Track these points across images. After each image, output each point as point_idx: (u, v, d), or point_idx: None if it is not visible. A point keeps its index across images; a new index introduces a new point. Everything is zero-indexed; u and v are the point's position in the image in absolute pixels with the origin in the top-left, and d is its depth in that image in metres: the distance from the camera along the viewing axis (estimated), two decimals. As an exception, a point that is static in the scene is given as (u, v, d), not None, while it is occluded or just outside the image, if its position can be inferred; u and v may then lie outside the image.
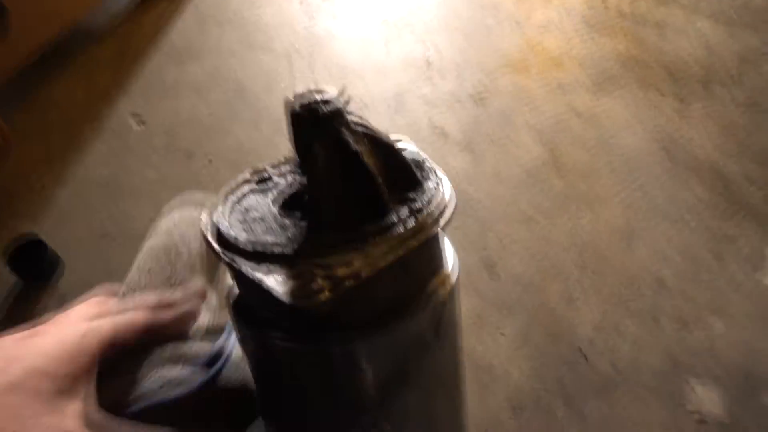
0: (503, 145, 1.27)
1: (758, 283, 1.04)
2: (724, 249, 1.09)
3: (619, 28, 1.46)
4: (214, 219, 0.33)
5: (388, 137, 0.34)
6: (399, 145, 0.40)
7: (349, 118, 0.32)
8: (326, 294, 0.27)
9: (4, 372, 0.28)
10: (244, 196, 0.37)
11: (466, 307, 1.06)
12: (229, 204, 0.36)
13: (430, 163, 0.37)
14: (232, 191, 0.37)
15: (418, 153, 0.40)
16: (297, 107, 0.31)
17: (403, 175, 0.34)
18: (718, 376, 0.93)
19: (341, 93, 0.31)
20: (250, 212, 0.34)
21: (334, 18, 1.63)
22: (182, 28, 1.68)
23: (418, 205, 0.32)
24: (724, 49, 1.37)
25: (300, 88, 0.32)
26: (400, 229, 0.30)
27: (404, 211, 0.32)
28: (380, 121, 1.33)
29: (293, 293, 0.28)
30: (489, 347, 1.02)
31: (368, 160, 0.32)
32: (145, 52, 1.60)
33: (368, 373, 0.35)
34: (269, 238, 0.31)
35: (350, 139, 0.31)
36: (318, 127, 0.31)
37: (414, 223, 0.31)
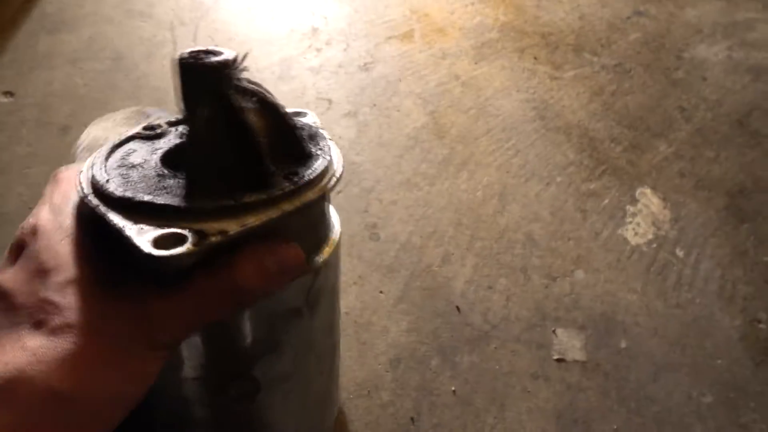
0: (387, 111, 1.29)
1: (618, 236, 1.12)
2: (589, 205, 1.16)
3: (500, -3, 1.51)
4: (94, 169, 0.32)
5: (280, 104, 0.34)
6: (300, 118, 0.40)
7: (241, 77, 0.32)
8: (190, 247, 0.26)
9: None
10: (133, 150, 0.35)
11: (347, 269, 1.08)
12: (115, 156, 0.35)
13: (325, 136, 0.37)
14: (121, 144, 0.36)
15: (315, 125, 0.40)
16: (186, 56, 0.30)
17: (291, 143, 0.34)
18: (581, 324, 1.00)
19: (238, 57, 0.32)
20: (134, 167, 0.33)
21: (220, -15, 1.59)
22: (56, -5, 1.58)
23: (299, 171, 0.31)
24: (595, 17, 1.45)
25: (192, 48, 0.31)
26: (276, 192, 0.30)
27: (282, 176, 0.32)
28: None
29: (154, 243, 0.26)
30: (368, 305, 1.04)
31: (253, 119, 0.31)
32: (14, 21, 1.50)
33: (237, 339, 0.35)
34: (144, 196, 0.30)
35: (235, 95, 0.31)
36: (204, 77, 0.30)
37: (291, 188, 0.30)
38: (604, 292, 1.06)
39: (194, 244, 0.26)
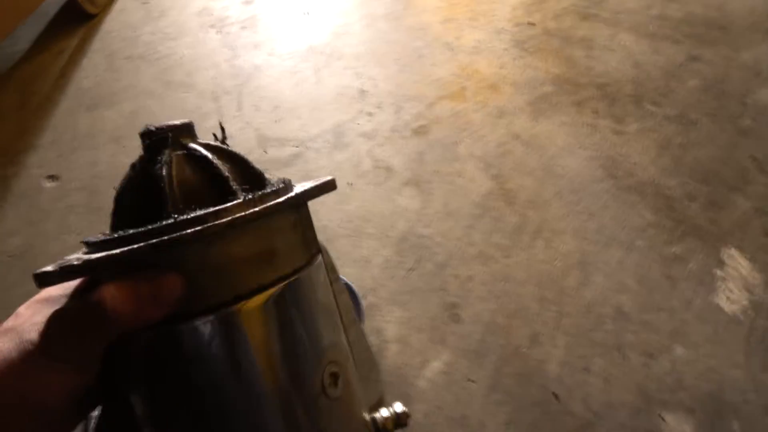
0: (449, 178, 1.24)
1: (710, 304, 1.06)
2: (675, 270, 1.11)
3: (547, 47, 1.47)
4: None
5: (210, 157, 0.35)
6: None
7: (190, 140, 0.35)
8: (53, 268, 0.27)
9: None
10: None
11: (431, 355, 1.03)
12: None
13: (267, 180, 0.37)
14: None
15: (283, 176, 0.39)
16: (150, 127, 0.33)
17: (218, 190, 0.34)
18: (689, 406, 0.94)
19: (184, 125, 0.34)
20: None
21: (257, 48, 1.55)
22: (89, 67, 1.54)
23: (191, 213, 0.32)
24: (650, 64, 1.41)
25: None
26: (146, 229, 0.30)
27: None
28: (320, 159, 1.27)
29: (55, 267, 0.28)
30: (460, 398, 0.99)
31: (173, 169, 0.33)
32: (51, 98, 1.46)
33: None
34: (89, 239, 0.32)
35: (162, 151, 0.33)
36: (144, 139, 0.33)
37: (161, 226, 0.30)
38: (706, 368, 1.01)
39: (59, 267, 0.28)
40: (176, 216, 0.31)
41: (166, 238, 0.30)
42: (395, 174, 1.26)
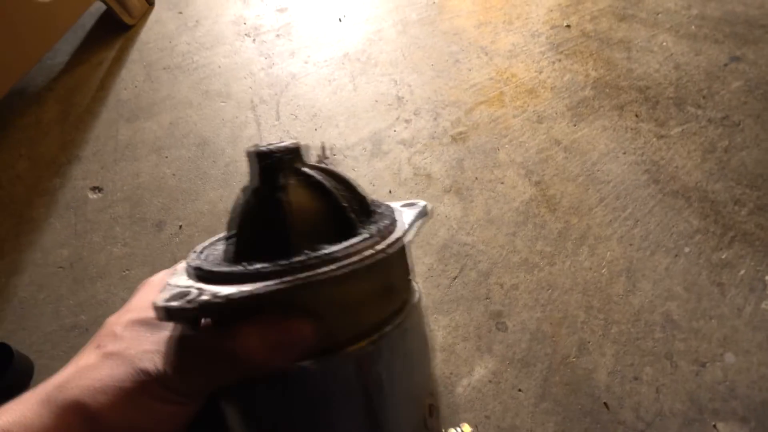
0: (490, 185, 1.24)
1: (762, 310, 1.05)
2: (724, 277, 1.09)
3: (585, 49, 1.46)
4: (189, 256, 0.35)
5: (330, 186, 0.35)
6: (409, 208, 0.41)
7: (305, 162, 0.35)
8: (183, 303, 0.28)
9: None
10: (218, 247, 0.38)
11: (477, 364, 1.02)
12: (207, 250, 0.37)
13: (395, 217, 0.37)
14: (212, 244, 0.38)
15: (414, 209, 0.40)
16: (252, 148, 0.33)
17: (340, 223, 0.35)
18: (742, 416, 0.93)
19: (298, 147, 0.34)
20: (213, 254, 0.36)
21: (293, 56, 1.55)
22: (128, 79, 1.56)
23: (324, 248, 0.32)
24: (691, 65, 1.39)
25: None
26: (284, 264, 0.30)
27: (305, 251, 0.32)
28: (358, 167, 1.28)
29: (169, 298, 0.29)
30: (509, 407, 0.99)
31: (296, 198, 0.33)
32: (91, 110, 1.48)
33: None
34: (195, 263, 0.33)
35: (282, 176, 0.33)
36: (259, 161, 0.33)
37: (300, 261, 0.30)
38: (759, 376, 0.99)
39: (187, 301, 0.28)
40: (308, 252, 0.31)
41: (304, 275, 0.30)
42: (435, 181, 1.25)
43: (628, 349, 1.03)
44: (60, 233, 1.25)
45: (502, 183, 1.24)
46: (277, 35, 1.59)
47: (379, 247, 0.33)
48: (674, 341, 1.03)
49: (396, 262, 0.37)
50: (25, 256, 1.21)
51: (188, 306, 0.28)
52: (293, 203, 0.33)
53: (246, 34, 1.60)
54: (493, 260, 1.14)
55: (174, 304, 0.28)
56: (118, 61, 1.60)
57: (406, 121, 1.36)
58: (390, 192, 1.23)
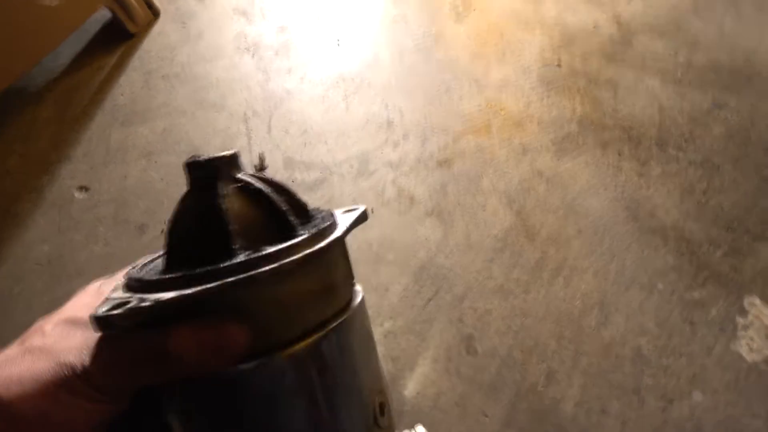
0: (472, 210, 1.26)
1: (731, 351, 1.05)
2: (696, 316, 1.10)
3: (574, 87, 1.49)
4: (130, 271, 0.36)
5: (266, 191, 0.35)
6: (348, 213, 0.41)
7: (241, 171, 0.36)
8: (120, 311, 0.28)
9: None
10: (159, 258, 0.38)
11: (446, 388, 1.02)
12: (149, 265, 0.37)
13: (335, 220, 0.38)
14: (153, 259, 0.39)
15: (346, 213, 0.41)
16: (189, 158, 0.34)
17: (280, 226, 0.35)
18: (706, 455, 0.93)
19: (233, 155, 0.35)
20: (152, 268, 0.36)
21: (289, 73, 1.58)
22: (126, 84, 1.59)
23: (262, 249, 0.32)
24: (675, 109, 1.42)
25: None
26: (221, 266, 0.30)
27: (243, 253, 0.31)
28: (344, 185, 1.29)
29: (109, 307, 0.29)
30: (473, 430, 0.98)
31: (232, 203, 0.33)
32: (87, 112, 1.50)
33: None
34: (133, 274, 0.33)
35: (216, 183, 0.33)
36: (194, 170, 0.34)
37: (237, 262, 0.30)
38: (726, 416, 0.99)
39: (129, 309, 0.28)
40: (249, 253, 0.31)
41: (244, 276, 0.30)
42: (418, 204, 1.27)
43: (597, 381, 1.03)
44: (43, 230, 1.26)
45: (484, 209, 1.26)
46: (276, 53, 1.62)
47: (318, 246, 0.33)
48: (643, 376, 1.03)
49: (336, 262, 0.37)
50: (5, 249, 1.22)
51: (116, 312, 0.28)
52: (232, 209, 0.33)
53: (246, 49, 1.63)
54: (468, 284, 1.15)
55: (115, 312, 0.28)
56: (119, 67, 1.62)
57: (395, 143, 1.39)
58: (372, 211, 1.25)
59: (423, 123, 1.43)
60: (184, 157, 0.33)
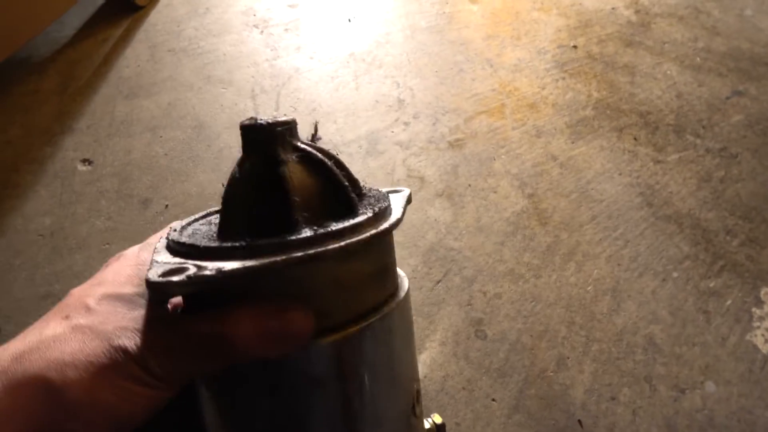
0: (483, 193, 1.23)
1: (746, 342, 1.03)
2: (711, 305, 1.07)
3: (590, 70, 1.46)
4: (171, 233, 0.34)
5: (328, 163, 0.33)
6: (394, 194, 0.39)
7: (299, 138, 0.34)
8: (182, 278, 0.26)
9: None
10: (195, 223, 0.38)
11: (453, 372, 1.00)
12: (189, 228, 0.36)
13: (388, 201, 0.36)
14: (189, 223, 0.38)
15: (397, 196, 0.39)
16: (245, 121, 0.32)
17: (338, 201, 0.33)
18: (718, 446, 0.91)
19: (291, 122, 0.33)
20: (198, 232, 0.34)
21: (299, 50, 1.55)
22: (132, 57, 1.55)
23: (327, 225, 0.30)
24: (693, 96, 1.39)
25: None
26: (287, 238, 0.28)
27: (308, 227, 0.30)
28: (352, 164, 1.26)
29: (163, 274, 0.27)
30: (480, 415, 0.96)
31: (293, 173, 0.31)
32: (91, 84, 1.47)
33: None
34: (182, 240, 0.31)
35: (279, 150, 0.31)
36: (252, 134, 0.32)
37: (305, 236, 0.29)
38: (739, 408, 0.97)
39: (187, 276, 0.26)
40: (315, 228, 0.29)
41: (312, 251, 0.28)
42: (428, 184, 1.24)
43: (608, 368, 1.01)
44: (44, 202, 1.23)
45: (495, 192, 1.23)
46: (286, 29, 1.59)
47: (383, 227, 0.32)
48: (655, 365, 1.01)
49: (391, 244, 0.36)
50: (5, 220, 1.19)
51: (189, 281, 0.26)
52: (295, 179, 0.31)
53: (254, 26, 1.60)
54: (478, 267, 1.12)
55: (174, 278, 0.26)
56: (124, 39, 1.59)
57: (405, 123, 1.36)
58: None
59: (434, 103, 1.39)
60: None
